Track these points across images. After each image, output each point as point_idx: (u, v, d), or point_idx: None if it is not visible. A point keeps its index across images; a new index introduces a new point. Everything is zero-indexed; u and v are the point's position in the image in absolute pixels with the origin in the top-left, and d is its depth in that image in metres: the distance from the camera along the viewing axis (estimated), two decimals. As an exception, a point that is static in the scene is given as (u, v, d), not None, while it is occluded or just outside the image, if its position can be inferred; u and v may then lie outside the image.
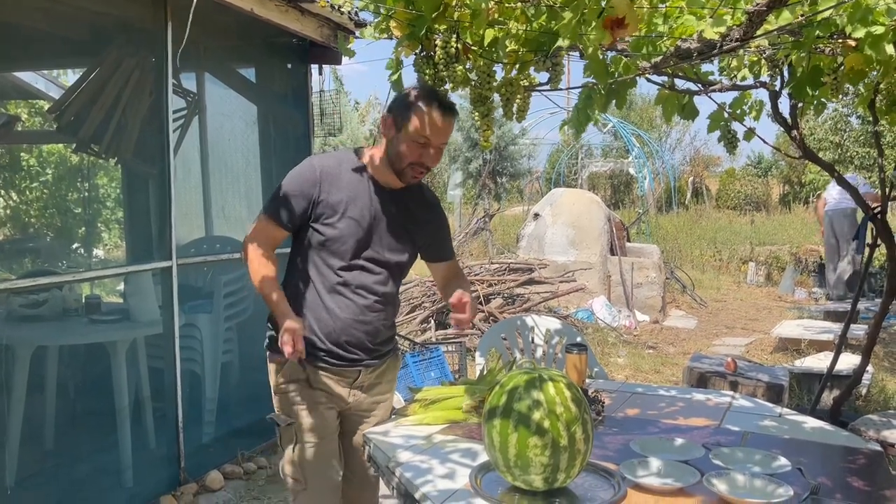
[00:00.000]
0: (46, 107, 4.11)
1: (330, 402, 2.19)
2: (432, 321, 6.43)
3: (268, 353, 2.24)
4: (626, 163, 16.12)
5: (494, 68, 2.56)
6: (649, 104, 22.81)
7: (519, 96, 2.65)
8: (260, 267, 2.11)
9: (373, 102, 21.97)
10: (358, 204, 2.12)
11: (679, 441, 2.05)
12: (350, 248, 2.12)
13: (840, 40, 2.52)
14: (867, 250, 3.78)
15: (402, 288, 7.43)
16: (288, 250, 2.24)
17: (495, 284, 7.19)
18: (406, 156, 2.08)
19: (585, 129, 2.95)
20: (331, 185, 2.11)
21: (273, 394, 2.21)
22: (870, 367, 4.79)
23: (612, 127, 15.21)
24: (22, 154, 4.30)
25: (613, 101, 2.88)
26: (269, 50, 4.26)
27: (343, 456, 2.27)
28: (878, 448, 2.13)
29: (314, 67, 4.36)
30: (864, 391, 4.77)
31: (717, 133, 3.16)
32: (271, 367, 2.22)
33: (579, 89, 2.82)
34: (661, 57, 2.48)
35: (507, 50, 2.53)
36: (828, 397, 4.20)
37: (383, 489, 2.21)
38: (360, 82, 57.89)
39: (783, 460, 1.89)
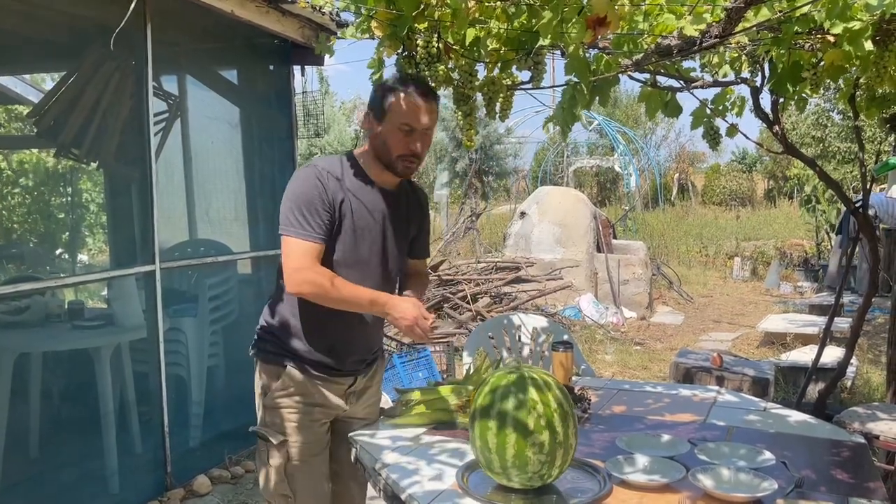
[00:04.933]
0: (25, 111, 4.07)
1: (325, 417, 2.13)
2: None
3: (259, 361, 2.13)
4: (612, 160, 16.17)
5: (476, 67, 2.57)
6: (634, 101, 22.88)
7: (501, 95, 2.65)
8: (337, 285, 1.94)
9: (357, 103, 21.95)
10: (364, 209, 2.04)
11: (665, 437, 2.06)
12: (358, 255, 2.04)
13: (819, 36, 2.53)
14: (850, 244, 3.81)
15: (389, 288, 7.46)
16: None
17: (482, 283, 7.19)
18: (392, 147, 2.01)
19: (571, 129, 2.96)
20: (336, 191, 1.99)
21: (261, 405, 2.10)
22: (854, 360, 4.84)
23: (598, 124, 15.26)
24: (1, 159, 4.26)
25: (597, 99, 2.90)
26: (251, 51, 4.24)
27: (334, 457, 2.21)
28: (863, 440, 2.14)
29: (297, 68, 4.34)
30: (848, 384, 4.80)
31: (702, 133, 3.18)
32: (262, 377, 2.11)
33: (563, 86, 2.83)
34: (642, 54, 2.49)
35: (489, 49, 2.53)
36: (813, 390, 4.23)
37: (371, 491, 2.20)
38: (345, 83, 57.80)
39: (768, 454, 1.90)
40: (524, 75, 2.60)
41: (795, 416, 2.36)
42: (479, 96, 2.60)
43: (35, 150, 4.29)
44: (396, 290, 2.23)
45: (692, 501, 1.69)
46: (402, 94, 2.00)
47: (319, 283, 1.93)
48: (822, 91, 2.83)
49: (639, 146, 17.37)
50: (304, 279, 1.93)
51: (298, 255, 1.94)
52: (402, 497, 1.82)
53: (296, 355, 2.07)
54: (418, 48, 2.35)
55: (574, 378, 2.72)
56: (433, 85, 2.49)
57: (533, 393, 1.72)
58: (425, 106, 2.02)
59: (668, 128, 23.81)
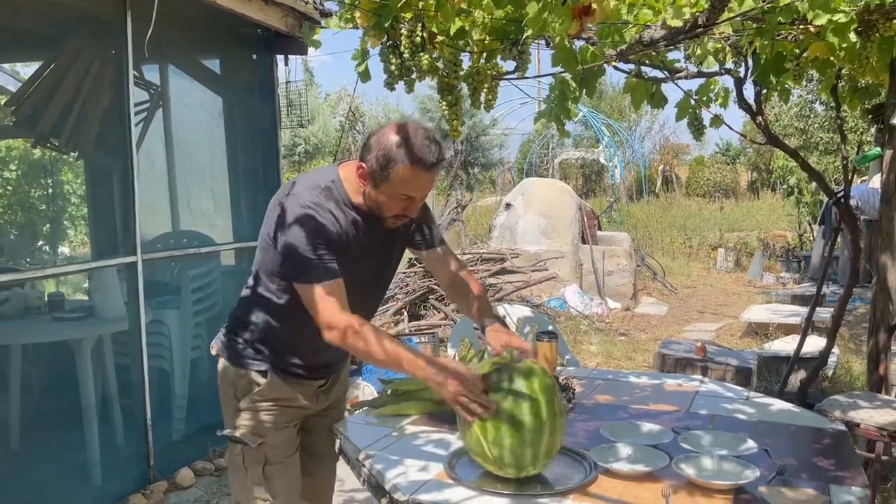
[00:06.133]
0: (3, 100, 4.00)
1: (297, 418, 2.08)
2: (405, 313, 6.42)
3: (229, 364, 2.04)
4: (597, 152, 16.21)
5: (461, 57, 2.56)
6: (619, 93, 22.94)
7: (486, 85, 2.64)
8: (379, 338, 1.79)
9: (342, 94, 21.82)
10: (357, 238, 1.91)
11: (648, 426, 2.06)
12: (354, 284, 1.90)
13: (802, 26, 2.54)
14: (832, 234, 3.84)
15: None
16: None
17: (468, 275, 7.18)
18: (387, 209, 1.88)
19: (565, 125, 2.96)
20: (328, 224, 1.85)
21: (235, 409, 2.02)
22: (836, 349, 4.88)
23: (583, 116, 15.29)
24: (-21, 150, 4.19)
25: (584, 91, 2.90)
26: (233, 41, 4.20)
27: (311, 452, 2.18)
28: (843, 428, 2.17)
29: (280, 58, 4.30)
30: (830, 373, 4.85)
31: (687, 124, 3.19)
32: (234, 379, 2.02)
33: (548, 77, 2.83)
34: (627, 45, 2.49)
35: (474, 39, 2.52)
36: (795, 379, 4.27)
37: (355, 483, 2.19)
38: (329, 74, 57.45)
39: (750, 442, 1.92)
40: (509, 65, 2.60)
41: (778, 404, 2.38)
42: (464, 86, 2.60)
43: (13, 141, 4.22)
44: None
45: (675, 490, 1.70)
46: (408, 167, 1.80)
47: (357, 335, 1.78)
48: (804, 83, 2.84)
49: (623, 138, 17.41)
50: (336, 328, 1.79)
51: (326, 300, 1.79)
52: (387, 487, 1.82)
53: (270, 360, 2.01)
54: (402, 38, 2.34)
55: (558, 368, 2.73)
56: (418, 75, 2.48)
57: (520, 383, 1.73)
58: (430, 181, 1.86)
59: (652, 120, 23.91)
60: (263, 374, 2.00)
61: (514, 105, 17.15)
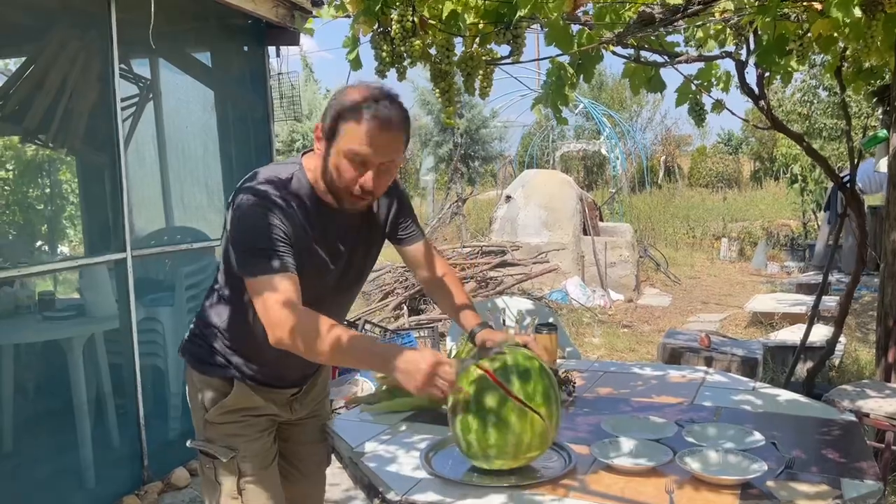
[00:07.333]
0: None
1: (271, 426, 1.93)
2: (405, 307, 6.35)
3: (195, 371, 1.88)
4: (599, 143, 16.11)
5: (454, 42, 2.49)
6: (619, 84, 22.86)
7: (481, 71, 2.57)
8: (332, 330, 1.56)
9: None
10: (315, 234, 1.72)
11: (651, 419, 1.99)
12: (318, 284, 1.75)
13: (805, 3, 2.46)
14: (838, 220, 3.76)
15: (373, 275, 7.37)
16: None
17: (468, 268, 7.12)
18: (338, 178, 1.66)
19: (562, 112, 2.89)
20: (289, 222, 1.67)
21: (203, 420, 1.86)
22: (842, 338, 4.80)
23: (584, 108, 15.19)
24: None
25: (582, 77, 2.83)
26: (224, 32, 4.12)
27: (292, 460, 2.05)
28: (853, 418, 2.09)
29: (272, 50, 4.23)
30: (837, 362, 4.78)
31: (688, 110, 3.13)
32: (200, 388, 1.86)
33: (545, 61, 2.76)
34: (624, 27, 2.42)
35: (467, 23, 2.45)
36: (801, 369, 4.20)
37: (348, 482, 2.13)
38: (329, 70, 57.39)
39: (757, 435, 1.84)
40: (504, 51, 2.53)
41: (785, 395, 2.31)
42: (457, 73, 2.53)
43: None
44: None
45: (679, 485, 1.63)
46: (359, 122, 1.60)
47: (304, 332, 1.56)
48: (808, 66, 2.77)
49: (624, 129, 17.31)
50: (281, 329, 1.57)
51: (271, 297, 1.58)
52: (380, 487, 1.75)
53: (236, 367, 1.85)
54: (393, 23, 2.27)
55: (559, 361, 2.66)
56: (409, 61, 2.40)
57: (516, 385, 1.66)
58: (385, 137, 1.61)
59: (653, 110, 23.80)
60: (230, 381, 1.85)
61: (514, 97, 17.02)
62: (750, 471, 1.65)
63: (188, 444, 1.91)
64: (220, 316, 1.85)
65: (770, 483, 1.63)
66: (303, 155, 1.80)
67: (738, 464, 1.70)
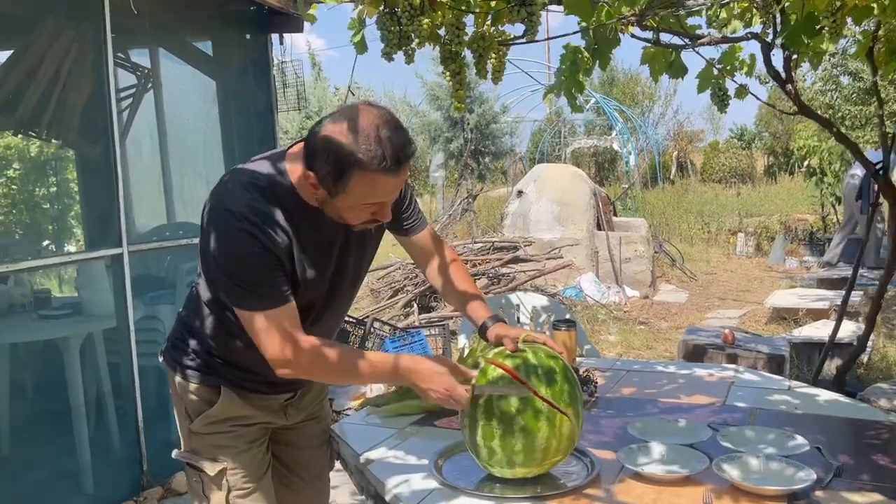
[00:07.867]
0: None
1: (262, 436, 1.77)
2: (415, 305, 6.21)
3: (178, 378, 1.71)
4: (610, 139, 15.90)
5: (464, 21, 2.36)
6: (631, 79, 22.64)
7: (493, 53, 2.44)
8: (342, 356, 1.53)
9: (353, 88, 21.60)
10: (306, 242, 1.55)
11: (682, 422, 1.84)
12: (315, 292, 1.62)
13: (841, -27, 2.30)
14: (871, 210, 3.58)
15: (382, 273, 7.23)
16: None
17: (479, 264, 6.97)
18: (351, 217, 1.52)
19: (577, 99, 2.75)
20: (268, 240, 1.48)
21: (188, 431, 1.71)
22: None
23: (595, 103, 15.00)
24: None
25: (598, 63, 2.70)
26: (225, 19, 3.98)
27: (288, 467, 1.89)
28: (901, 420, 1.93)
29: (275, 37, 4.08)
30: (865, 359, 4.59)
31: (699, 108, 2.99)
32: (184, 396, 1.71)
33: (559, 39, 2.62)
34: (645, 4, 2.28)
35: (478, 0, 2.33)
36: (829, 367, 4.02)
37: (352, 488, 1.98)
38: (336, 68, 57.38)
39: (800, 439, 1.69)
40: (517, 30, 2.39)
41: (824, 394, 2.14)
42: (467, 54, 2.40)
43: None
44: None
45: (718, 495, 1.47)
46: (370, 173, 1.40)
47: (312, 360, 1.51)
48: (827, 56, 2.61)
49: (636, 124, 17.10)
50: (288, 358, 1.49)
51: (274, 328, 1.47)
52: (387, 498, 1.61)
53: (222, 374, 1.69)
54: (400, 1, 2.14)
55: (578, 359, 2.51)
56: (417, 42, 2.26)
57: (542, 386, 1.52)
58: (399, 178, 1.46)
59: (665, 105, 23.54)
60: (216, 389, 1.68)
61: (524, 93, 16.82)
62: (796, 480, 1.50)
63: (174, 454, 1.75)
64: (203, 320, 1.67)
65: (818, 493, 1.48)
66: (287, 150, 1.59)
67: (782, 471, 1.55)
